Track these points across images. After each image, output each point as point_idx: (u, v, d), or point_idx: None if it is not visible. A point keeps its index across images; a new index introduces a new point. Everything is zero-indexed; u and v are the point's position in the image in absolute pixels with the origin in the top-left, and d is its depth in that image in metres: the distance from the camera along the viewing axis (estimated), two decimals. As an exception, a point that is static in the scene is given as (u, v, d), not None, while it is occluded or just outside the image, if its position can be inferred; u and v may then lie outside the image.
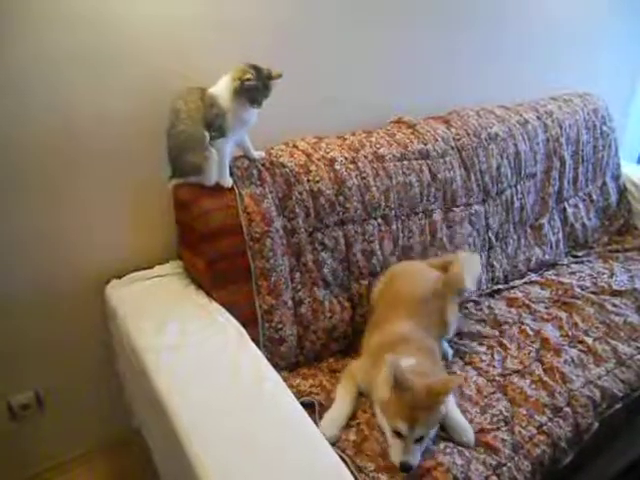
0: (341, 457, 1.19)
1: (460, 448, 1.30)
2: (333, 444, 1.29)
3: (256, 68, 1.42)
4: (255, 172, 1.57)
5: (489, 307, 1.91)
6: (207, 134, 1.44)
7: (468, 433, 1.33)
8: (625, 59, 2.91)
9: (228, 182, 1.51)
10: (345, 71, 1.89)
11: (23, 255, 1.54)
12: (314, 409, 1.41)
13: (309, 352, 1.64)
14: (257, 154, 1.62)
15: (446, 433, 1.34)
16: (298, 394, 1.44)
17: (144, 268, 1.66)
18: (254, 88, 1.41)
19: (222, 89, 1.44)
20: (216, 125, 1.44)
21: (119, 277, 1.63)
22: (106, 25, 1.43)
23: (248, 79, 1.40)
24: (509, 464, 1.28)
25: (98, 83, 1.47)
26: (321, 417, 1.38)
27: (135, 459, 1.72)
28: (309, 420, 1.15)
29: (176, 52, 1.54)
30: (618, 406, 1.53)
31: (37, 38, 1.36)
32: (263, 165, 1.60)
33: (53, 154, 1.48)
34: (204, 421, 1.12)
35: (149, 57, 1.51)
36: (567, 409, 1.45)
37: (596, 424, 1.45)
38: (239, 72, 1.41)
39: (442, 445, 1.30)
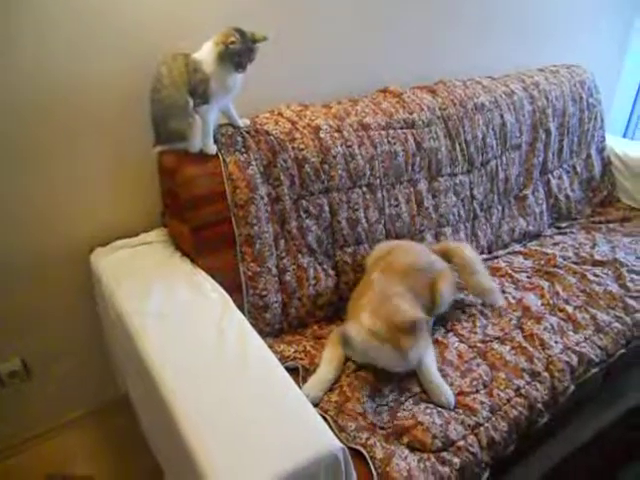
0: (323, 417, 1.23)
1: (440, 409, 1.33)
2: (315, 405, 1.32)
3: (240, 31, 1.40)
4: (240, 139, 1.57)
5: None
6: (191, 100, 1.43)
7: (448, 395, 1.37)
8: (613, 32, 2.90)
9: (212, 149, 1.50)
10: (332, 39, 1.88)
11: (7, 223, 1.53)
12: (298, 374, 1.44)
13: (293, 319, 1.66)
14: (242, 122, 1.62)
15: (427, 396, 1.38)
16: (282, 359, 1.47)
17: (129, 236, 1.66)
18: (238, 52, 1.40)
19: (206, 54, 1.42)
20: (200, 91, 1.43)
21: (104, 245, 1.63)
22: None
23: (232, 42, 1.38)
24: (486, 424, 1.32)
25: (81, 46, 1.45)
26: (305, 381, 1.41)
27: (125, 422, 1.74)
28: (292, 382, 1.16)
29: (162, 13, 1.52)
30: (594, 370, 1.56)
31: (28, 4, 1.35)
32: (248, 132, 1.60)
33: (38, 121, 1.47)
34: (188, 384, 1.13)
35: (133, 18, 1.49)
36: (545, 374, 1.48)
37: (572, 387, 1.49)
38: (223, 36, 1.40)
39: (422, 406, 1.34)
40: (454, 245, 1.85)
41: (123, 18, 1.48)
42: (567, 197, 2.40)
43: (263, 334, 1.55)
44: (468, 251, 1.80)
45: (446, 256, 1.78)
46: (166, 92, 1.41)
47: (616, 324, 1.69)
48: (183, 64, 1.41)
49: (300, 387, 1.36)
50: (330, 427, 1.20)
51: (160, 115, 1.44)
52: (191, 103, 1.43)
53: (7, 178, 1.49)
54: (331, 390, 1.41)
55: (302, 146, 1.64)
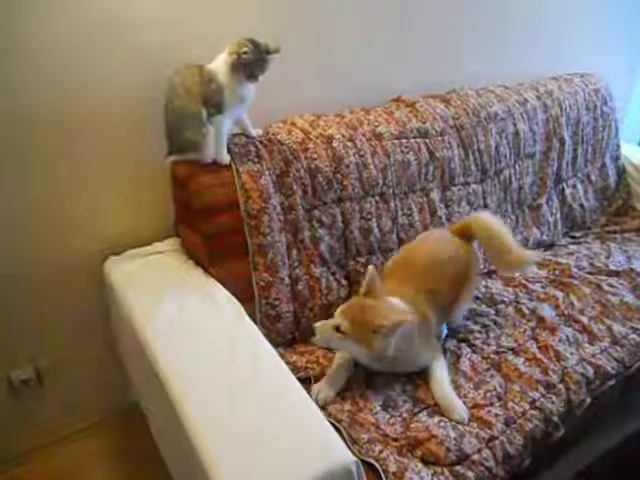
0: (336, 427, 1.23)
1: (453, 423, 1.32)
2: (324, 407, 1.33)
3: (253, 42, 1.41)
4: (253, 149, 1.57)
5: (486, 286, 1.91)
6: (204, 111, 1.43)
7: (461, 411, 1.35)
8: (629, 40, 2.88)
9: (225, 159, 1.51)
10: (345, 49, 1.88)
11: (22, 230, 1.55)
12: (310, 384, 1.43)
13: (306, 329, 1.65)
14: (255, 132, 1.62)
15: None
16: (294, 370, 1.46)
17: (142, 245, 1.66)
18: (251, 62, 1.41)
19: (220, 65, 1.44)
20: (214, 101, 1.43)
21: (117, 254, 1.64)
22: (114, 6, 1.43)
23: (245, 52, 1.39)
24: (501, 438, 1.30)
25: (98, 57, 1.47)
26: None
27: (136, 431, 1.73)
28: (305, 394, 1.16)
29: (177, 25, 1.54)
30: (611, 383, 1.54)
31: (36, 10, 1.36)
32: (261, 142, 1.60)
33: (52, 130, 1.48)
34: (200, 394, 1.13)
35: (150, 31, 1.51)
36: (560, 386, 1.46)
37: (588, 400, 1.47)
38: (236, 46, 1.41)
39: (436, 418, 1.33)
40: (472, 220, 1.71)
41: (139, 28, 1.49)
42: (581, 206, 2.38)
43: (275, 344, 1.54)
44: (490, 224, 1.67)
45: (468, 235, 1.69)
46: (180, 102, 1.42)
47: (633, 336, 1.66)
48: (197, 74, 1.42)
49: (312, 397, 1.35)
50: (343, 438, 1.19)
51: (174, 125, 1.45)
52: (205, 113, 1.43)
53: (21, 190, 1.50)
54: (343, 399, 1.39)
55: (315, 156, 1.64)
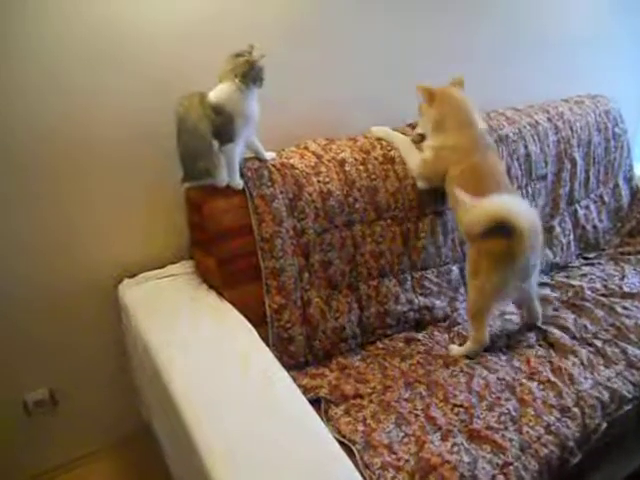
0: (350, 449, 1.25)
1: (467, 447, 1.30)
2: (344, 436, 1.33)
3: (239, 53, 1.44)
4: (266, 173, 1.59)
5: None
6: (216, 142, 1.45)
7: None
8: (638, 60, 2.88)
9: (239, 184, 1.53)
10: (358, 73, 1.91)
11: (38, 257, 1.58)
12: (320, 407, 1.44)
13: (318, 351, 1.66)
14: (268, 155, 1.64)
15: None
16: (306, 392, 1.46)
17: (156, 268, 1.68)
18: (257, 65, 1.43)
19: (225, 91, 1.44)
20: (224, 132, 1.44)
21: (131, 276, 1.66)
22: (117, 29, 1.47)
23: (254, 58, 1.42)
24: (516, 463, 1.28)
25: (109, 87, 1.51)
26: (328, 414, 1.43)
27: (148, 456, 1.74)
28: (317, 419, 1.16)
29: (186, 54, 1.57)
30: (627, 408, 1.52)
31: (48, 42, 1.40)
32: (274, 166, 1.62)
33: (65, 157, 1.52)
34: (213, 418, 1.14)
35: (160, 60, 1.54)
36: (575, 409, 1.44)
37: (604, 424, 1.45)
38: (236, 62, 1.43)
39: (449, 443, 1.31)
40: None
41: (148, 64, 1.54)
42: (595, 227, 2.37)
43: (288, 367, 1.53)
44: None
45: None
46: (188, 136, 1.43)
47: (649, 359, 1.64)
48: (200, 106, 1.41)
49: (323, 420, 1.35)
50: (355, 464, 1.19)
51: (187, 155, 1.47)
52: (216, 144, 1.45)
53: (35, 213, 1.54)
54: (356, 419, 1.40)
55: (327, 179, 1.66)
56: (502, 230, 1.48)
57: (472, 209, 1.54)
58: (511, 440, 1.33)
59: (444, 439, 1.33)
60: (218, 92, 1.44)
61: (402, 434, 1.35)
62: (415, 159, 1.79)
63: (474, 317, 1.65)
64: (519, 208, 1.52)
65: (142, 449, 1.80)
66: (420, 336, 1.77)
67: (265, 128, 1.55)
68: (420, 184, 1.78)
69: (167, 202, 1.68)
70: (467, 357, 1.65)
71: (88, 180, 1.57)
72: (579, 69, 2.61)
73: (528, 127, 2.14)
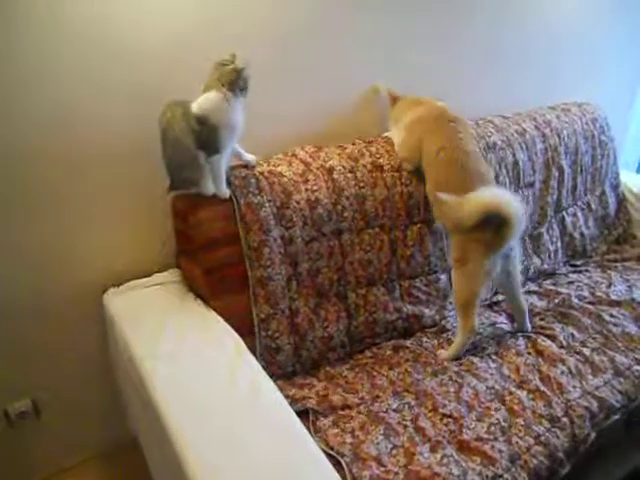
0: (339, 462, 1.25)
1: (456, 458, 1.29)
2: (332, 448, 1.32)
3: (223, 61, 1.42)
4: (253, 181, 1.58)
5: (487, 317, 1.90)
6: (201, 153, 1.42)
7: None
8: (625, 68, 2.91)
9: (225, 193, 1.50)
10: (345, 80, 1.90)
11: (21, 262, 1.54)
12: (308, 417, 1.42)
13: (306, 360, 1.64)
14: (250, 157, 1.61)
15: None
16: (293, 403, 1.45)
17: (143, 276, 1.66)
18: (243, 74, 1.42)
19: (210, 102, 1.40)
20: (210, 143, 1.42)
21: (118, 285, 1.64)
22: (107, 31, 1.44)
23: (235, 68, 1.40)
24: (506, 475, 1.27)
25: (98, 92, 1.48)
26: (316, 425, 1.41)
27: (133, 467, 1.71)
28: (304, 430, 1.15)
29: (176, 57, 1.55)
30: (616, 417, 1.52)
31: (38, 47, 1.38)
32: (261, 174, 1.60)
33: (53, 163, 1.49)
34: (199, 431, 1.12)
35: (149, 64, 1.52)
36: (565, 419, 1.44)
37: (593, 434, 1.45)
38: (222, 70, 1.41)
39: (439, 454, 1.31)
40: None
41: (136, 68, 1.51)
42: (582, 235, 2.38)
43: (275, 377, 1.53)
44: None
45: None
46: (172, 148, 1.40)
47: (636, 367, 1.64)
48: (183, 118, 1.38)
49: (310, 432, 1.35)
50: (344, 477, 1.18)
51: (172, 166, 1.44)
52: (202, 156, 1.42)
53: (22, 221, 1.51)
54: (344, 430, 1.39)
55: (315, 187, 1.65)
56: (491, 219, 1.54)
57: (462, 204, 1.58)
58: (501, 451, 1.33)
59: (433, 450, 1.32)
60: (202, 102, 1.41)
61: (391, 445, 1.34)
62: (398, 141, 1.86)
63: (465, 305, 1.68)
64: (509, 198, 1.58)
65: (129, 461, 1.77)
66: (408, 343, 1.76)
67: (253, 135, 1.53)
68: (405, 165, 1.83)
69: (153, 209, 1.65)
70: (456, 360, 1.65)
71: (77, 186, 1.54)
72: (565, 76, 2.62)
73: (516, 135, 2.14)
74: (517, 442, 1.36)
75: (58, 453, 1.79)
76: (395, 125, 1.89)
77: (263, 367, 1.33)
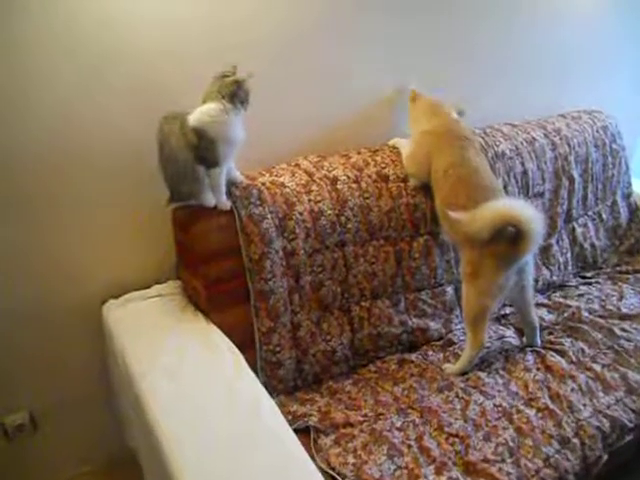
0: None
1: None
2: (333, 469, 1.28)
3: (224, 74, 1.39)
4: (255, 192, 1.54)
5: (495, 331, 1.85)
6: (201, 167, 1.40)
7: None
8: (636, 74, 2.86)
9: (226, 205, 1.48)
10: (348, 89, 1.87)
11: (20, 272, 1.53)
12: (309, 435, 1.39)
13: (308, 375, 1.61)
14: (239, 176, 1.56)
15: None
16: (294, 419, 1.43)
17: (143, 288, 1.64)
18: (244, 86, 1.39)
19: (209, 114, 1.36)
20: (208, 158, 1.39)
21: (117, 296, 1.62)
22: (106, 40, 1.43)
23: (242, 78, 1.37)
24: (514, 500, 1.24)
25: (99, 101, 1.46)
26: (317, 444, 1.37)
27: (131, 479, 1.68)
28: (303, 451, 1.12)
29: (178, 65, 1.53)
30: (629, 438, 1.47)
31: (39, 55, 1.37)
32: (263, 184, 1.57)
33: (54, 173, 1.48)
34: (197, 448, 1.10)
35: (152, 74, 1.50)
36: (575, 440, 1.40)
37: (605, 456, 1.40)
38: (222, 82, 1.37)
39: (444, 478, 1.26)
40: None
41: (139, 78, 1.50)
42: (592, 246, 2.32)
43: (276, 391, 1.52)
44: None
45: None
46: (171, 163, 1.39)
47: (650, 384, 1.59)
48: (181, 132, 1.35)
49: (312, 449, 1.34)
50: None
51: (170, 179, 1.42)
52: (201, 169, 1.40)
53: (21, 231, 1.49)
54: (346, 450, 1.35)
55: (319, 198, 1.61)
56: (506, 232, 1.50)
57: (475, 217, 1.53)
58: (508, 474, 1.28)
59: (438, 473, 1.28)
60: (200, 114, 1.36)
61: (394, 467, 1.30)
62: (406, 152, 1.82)
63: (475, 319, 1.64)
64: (528, 210, 1.53)
65: (126, 475, 1.73)
66: (414, 357, 1.72)
67: (255, 145, 1.50)
68: (412, 182, 1.78)
69: (154, 221, 1.62)
70: (463, 374, 1.61)
71: (78, 197, 1.53)
72: (575, 83, 2.57)
73: (525, 144, 2.10)
74: (525, 464, 1.32)
75: (55, 466, 1.77)
76: (413, 126, 1.86)
77: (264, 382, 1.32)
